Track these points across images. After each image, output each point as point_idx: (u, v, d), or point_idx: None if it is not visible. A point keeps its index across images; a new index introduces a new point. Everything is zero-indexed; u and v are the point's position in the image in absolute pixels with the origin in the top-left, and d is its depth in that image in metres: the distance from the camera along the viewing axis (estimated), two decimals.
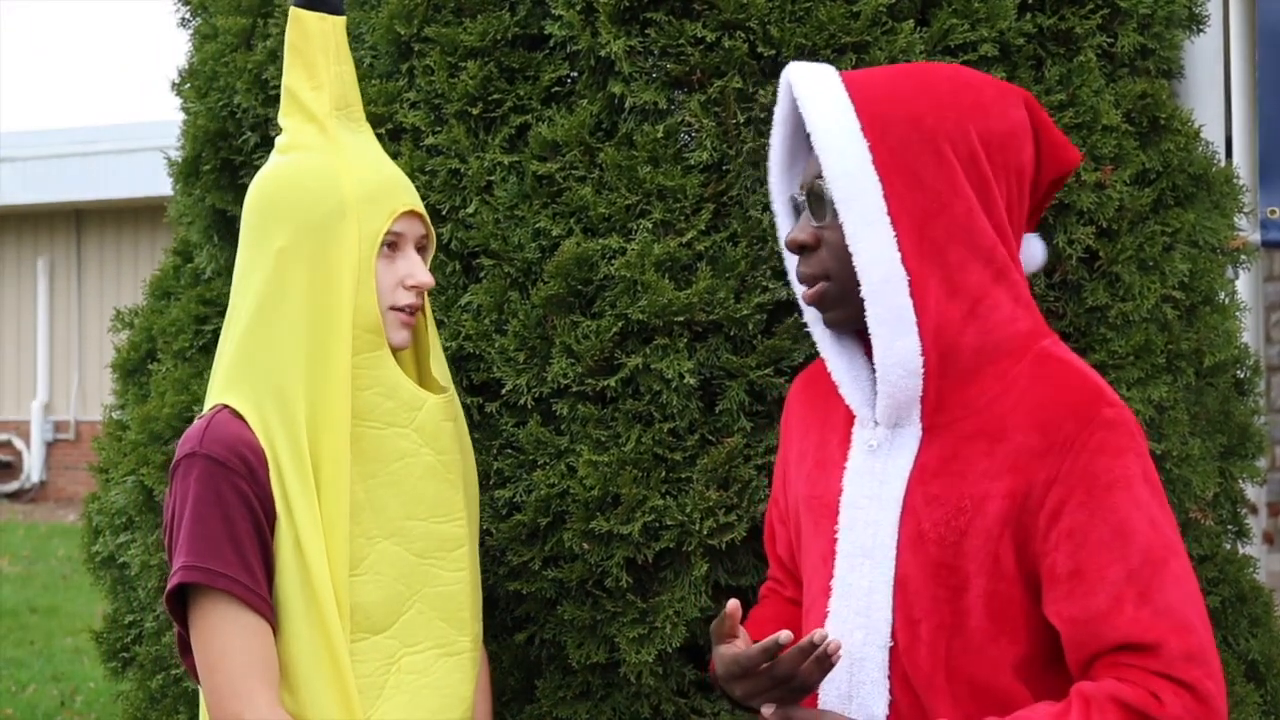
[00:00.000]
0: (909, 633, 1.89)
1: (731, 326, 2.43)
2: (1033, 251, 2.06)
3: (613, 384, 2.42)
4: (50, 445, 15.76)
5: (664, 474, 2.41)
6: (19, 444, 15.77)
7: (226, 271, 2.90)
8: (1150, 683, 1.76)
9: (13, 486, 15.64)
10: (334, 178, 2.17)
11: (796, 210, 2.03)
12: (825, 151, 1.91)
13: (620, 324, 2.43)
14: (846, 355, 2.01)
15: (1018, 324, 1.92)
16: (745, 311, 2.41)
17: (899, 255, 1.88)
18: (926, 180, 1.89)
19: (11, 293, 16.10)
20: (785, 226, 2.07)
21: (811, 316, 2.04)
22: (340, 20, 2.23)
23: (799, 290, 2.03)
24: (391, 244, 2.19)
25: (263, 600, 2.09)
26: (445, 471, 2.21)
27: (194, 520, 2.09)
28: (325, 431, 2.12)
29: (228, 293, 2.87)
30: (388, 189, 2.19)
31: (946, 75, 1.98)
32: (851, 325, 1.97)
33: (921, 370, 1.89)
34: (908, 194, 1.89)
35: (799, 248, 1.98)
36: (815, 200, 1.96)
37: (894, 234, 1.88)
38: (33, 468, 15.65)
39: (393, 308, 2.18)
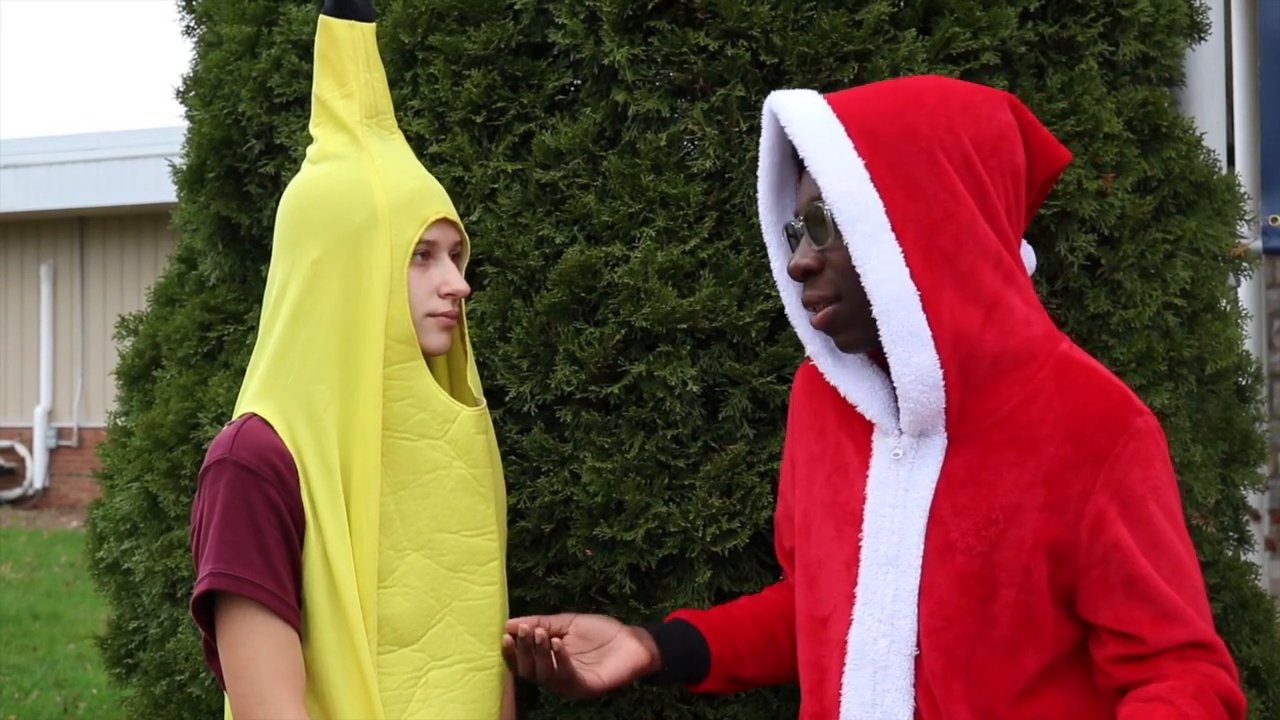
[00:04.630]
0: (931, 641, 1.90)
1: (734, 334, 2.44)
2: (1024, 257, 2.07)
3: (616, 391, 2.43)
4: (53, 451, 15.78)
5: (667, 480, 2.42)
6: (22, 450, 15.79)
7: (231, 278, 2.91)
8: (1219, 674, 1.87)
9: (15, 493, 15.66)
10: (366, 187, 2.15)
11: (791, 238, 2.01)
12: (822, 174, 1.90)
13: (623, 331, 2.43)
14: (853, 371, 2.00)
15: (1033, 327, 1.93)
16: (748, 319, 2.42)
17: (908, 270, 1.87)
18: (927, 190, 1.88)
19: (15, 299, 16.12)
20: (778, 256, 2.05)
21: (813, 345, 2.03)
22: (369, 27, 2.21)
23: (796, 315, 2.03)
24: (425, 253, 2.18)
25: (290, 608, 2.08)
26: (477, 485, 2.19)
27: (222, 526, 2.08)
28: (356, 442, 2.11)
29: (232, 300, 2.89)
30: (420, 197, 2.18)
31: (929, 85, 1.98)
32: (864, 346, 1.96)
33: (943, 382, 1.88)
34: (910, 206, 1.88)
35: (803, 273, 1.96)
36: (815, 223, 1.94)
37: (900, 249, 1.87)
38: (35, 474, 15.67)
39: (429, 314, 2.17)
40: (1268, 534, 5.32)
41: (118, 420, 3.06)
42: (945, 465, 1.92)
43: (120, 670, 2.97)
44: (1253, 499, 2.91)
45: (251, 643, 2.07)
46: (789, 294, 2.05)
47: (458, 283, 2.19)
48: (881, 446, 1.98)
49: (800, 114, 1.94)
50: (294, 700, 2.06)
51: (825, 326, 1.96)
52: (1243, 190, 2.79)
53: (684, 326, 2.42)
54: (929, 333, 1.87)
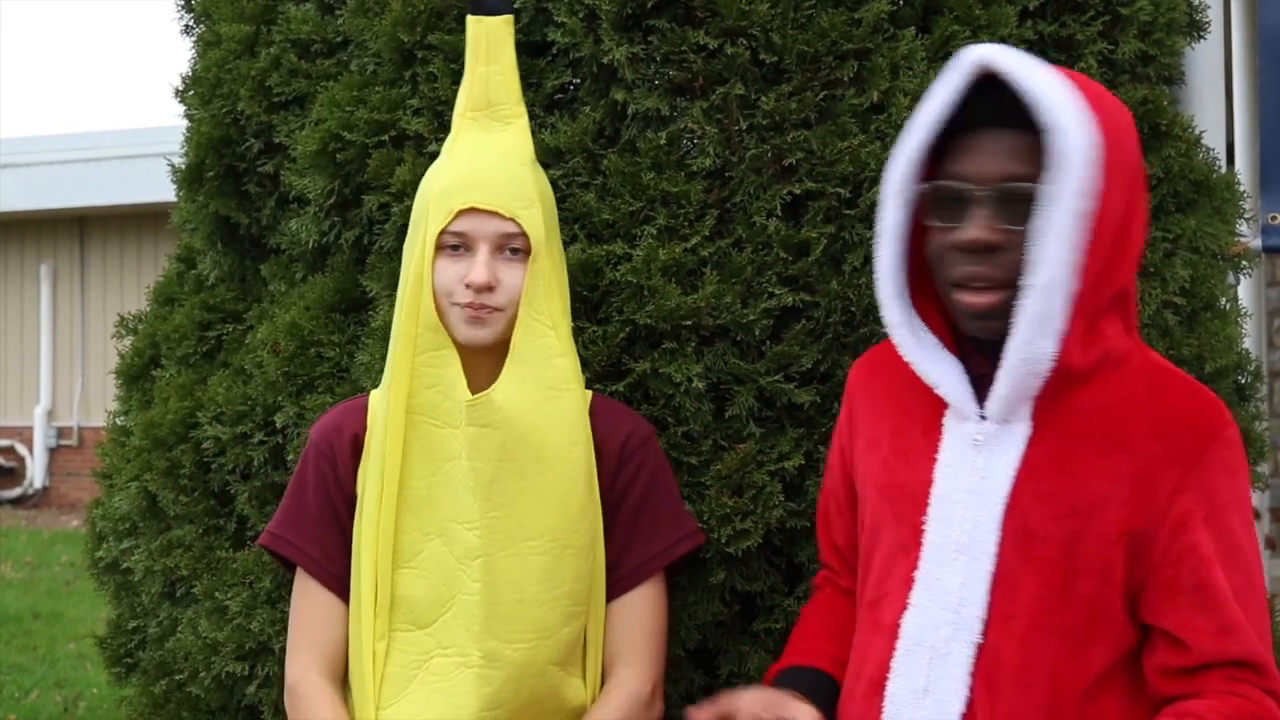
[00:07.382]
0: (1001, 629, 1.88)
1: (738, 332, 2.43)
2: None
3: (621, 388, 2.43)
4: (53, 451, 15.76)
5: (683, 479, 2.41)
6: (22, 450, 15.77)
7: (229, 277, 2.91)
8: (1265, 700, 1.85)
9: (16, 492, 15.64)
10: (430, 179, 2.25)
11: (938, 202, 1.89)
12: (1071, 151, 1.80)
13: (627, 329, 2.43)
14: (931, 353, 1.95)
15: (1134, 335, 1.94)
16: (752, 317, 2.42)
17: (1084, 262, 1.82)
18: (1120, 198, 1.84)
19: (15, 299, 16.10)
20: (894, 215, 1.92)
21: (894, 315, 1.94)
22: (497, 20, 2.26)
23: (888, 283, 1.93)
24: (455, 244, 2.19)
25: (327, 572, 2.25)
26: (470, 478, 2.19)
27: (288, 492, 2.32)
28: (387, 425, 2.22)
29: (231, 299, 2.89)
30: (455, 187, 2.20)
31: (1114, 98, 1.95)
32: (997, 334, 1.89)
33: (1048, 370, 1.85)
34: (1109, 206, 1.83)
35: (983, 247, 1.86)
36: (1015, 199, 1.85)
37: (1090, 239, 1.82)
38: (36, 473, 15.65)
39: (454, 304, 2.19)
40: (1268, 532, 5.32)
41: (117, 420, 3.06)
42: (1028, 453, 1.89)
43: (120, 669, 2.97)
44: (1253, 498, 2.91)
45: (294, 597, 2.29)
46: (888, 253, 1.93)
47: (475, 274, 2.17)
48: (956, 431, 1.94)
49: (1046, 86, 1.83)
50: (304, 657, 2.22)
51: (992, 311, 1.88)
52: (1242, 189, 2.79)
53: (688, 323, 2.42)
54: (1061, 324, 1.82)
